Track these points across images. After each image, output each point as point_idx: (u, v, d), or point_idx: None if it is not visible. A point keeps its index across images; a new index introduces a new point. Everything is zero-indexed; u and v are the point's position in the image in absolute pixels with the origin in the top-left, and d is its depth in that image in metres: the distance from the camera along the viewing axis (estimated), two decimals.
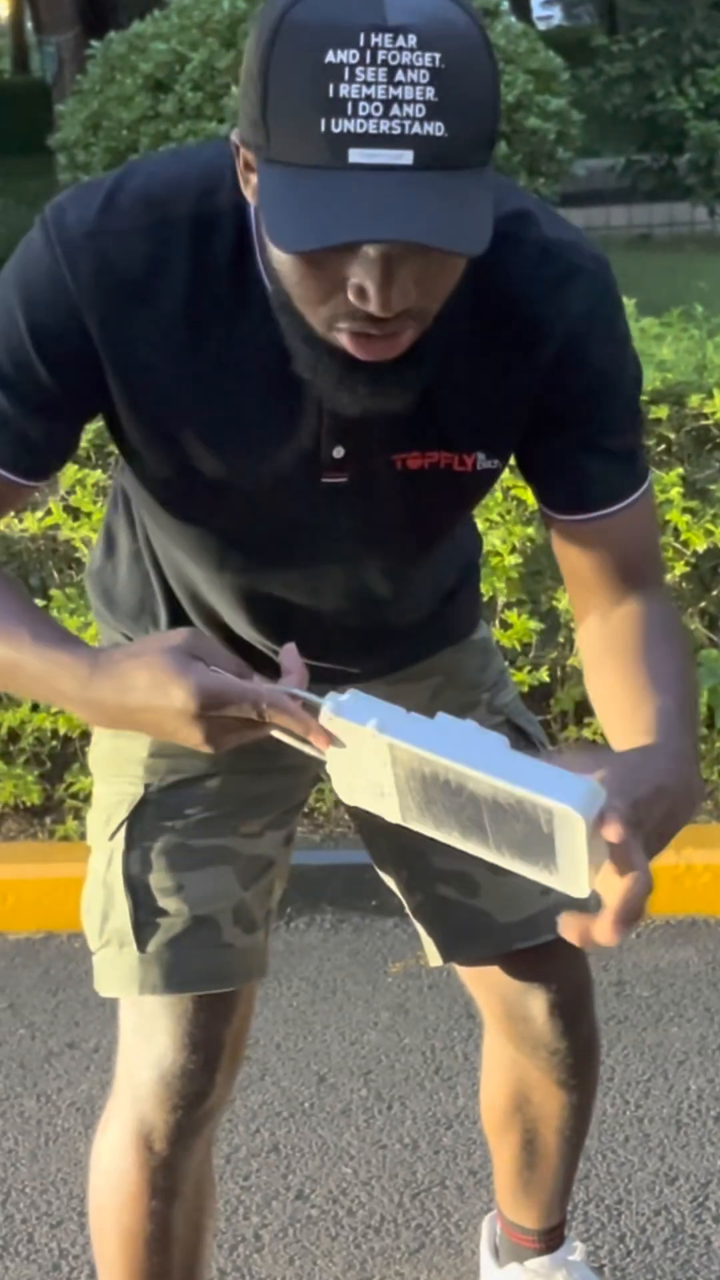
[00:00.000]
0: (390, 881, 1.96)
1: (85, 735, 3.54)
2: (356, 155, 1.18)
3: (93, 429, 3.36)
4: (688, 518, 3.30)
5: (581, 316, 1.46)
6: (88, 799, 3.49)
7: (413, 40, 1.18)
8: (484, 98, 1.22)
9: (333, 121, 1.18)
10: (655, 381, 3.30)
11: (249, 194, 1.33)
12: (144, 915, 1.74)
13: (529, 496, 3.07)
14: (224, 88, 6.62)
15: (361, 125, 1.18)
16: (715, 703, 3.42)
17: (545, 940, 1.84)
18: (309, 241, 1.22)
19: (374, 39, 1.17)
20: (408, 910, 1.96)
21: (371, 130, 1.18)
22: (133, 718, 1.38)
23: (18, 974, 3.26)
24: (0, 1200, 2.58)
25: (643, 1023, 2.96)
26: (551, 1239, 2.17)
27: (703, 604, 3.50)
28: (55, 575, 3.61)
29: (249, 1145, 2.68)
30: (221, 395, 1.45)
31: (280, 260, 1.29)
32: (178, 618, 1.72)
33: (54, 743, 3.59)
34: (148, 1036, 1.77)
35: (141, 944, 1.73)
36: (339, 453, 1.48)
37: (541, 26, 26.20)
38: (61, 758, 3.62)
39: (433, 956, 1.97)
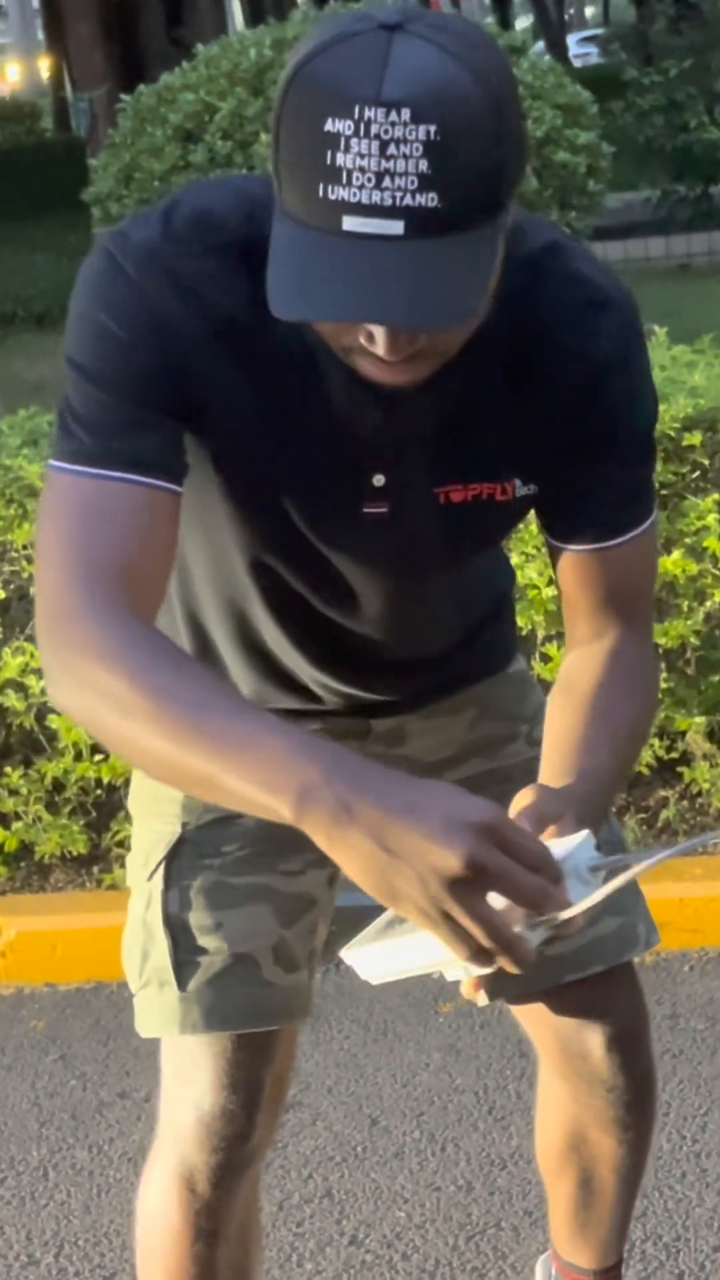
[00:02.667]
0: None
1: (130, 783, 3.54)
2: (350, 223, 1.22)
3: None
4: None
5: (609, 348, 1.49)
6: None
7: (406, 115, 1.20)
8: (484, 163, 1.23)
9: (329, 188, 1.22)
10: (688, 408, 3.29)
11: None
12: (184, 954, 1.74)
13: None
14: (253, 135, 6.67)
15: (354, 195, 1.21)
16: None
17: (595, 972, 1.83)
18: (298, 312, 1.27)
19: (368, 113, 1.20)
20: None
21: (364, 200, 1.21)
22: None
23: (68, 1024, 3.25)
24: (55, 1253, 2.57)
25: (698, 1056, 2.92)
26: (608, 1279, 2.14)
27: None
28: None
29: (301, 1191, 2.66)
30: (272, 411, 1.47)
31: None
32: (204, 652, 1.72)
33: (99, 792, 3.59)
34: (188, 1077, 1.77)
35: (182, 983, 1.73)
36: (379, 481, 1.50)
37: (578, 64, 26.34)
38: (107, 806, 3.62)
39: (482, 995, 1.94)
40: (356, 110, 1.20)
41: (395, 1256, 2.50)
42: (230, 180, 1.54)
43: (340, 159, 1.20)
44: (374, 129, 1.20)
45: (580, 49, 34.60)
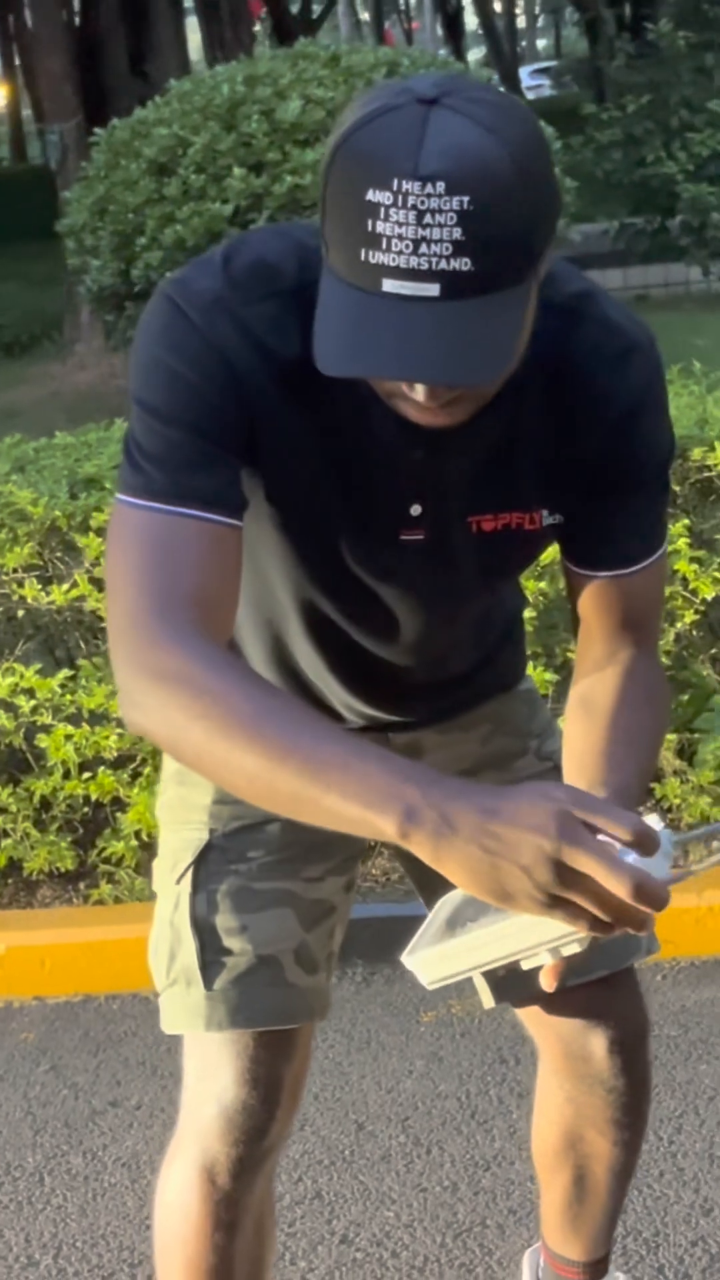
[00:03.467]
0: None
1: (117, 801, 3.63)
2: (389, 285, 1.31)
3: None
4: (695, 567, 3.40)
5: (637, 390, 1.59)
6: (119, 863, 3.58)
7: (441, 187, 1.29)
8: (514, 229, 1.33)
9: (370, 253, 1.31)
10: None
11: None
12: (210, 955, 1.81)
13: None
14: (226, 169, 6.76)
15: (394, 260, 1.30)
16: None
17: (599, 976, 1.91)
18: (339, 368, 1.36)
19: (405, 185, 1.29)
20: None
21: (402, 265, 1.30)
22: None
23: (58, 1036, 3.32)
24: (53, 1255, 2.64)
25: (672, 1061, 3.02)
26: (596, 1271, 2.23)
27: (713, 650, 3.59)
28: (82, 645, 3.71)
29: (292, 1193, 2.74)
30: (321, 448, 1.56)
31: None
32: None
33: (86, 809, 3.67)
34: (211, 1073, 1.84)
35: (208, 982, 1.81)
36: (416, 510, 1.59)
37: (531, 96, 26.60)
38: (94, 824, 3.70)
39: (486, 999, 2.02)
40: (395, 183, 1.29)
41: (385, 1254, 2.58)
42: (282, 228, 1.62)
43: (380, 226, 1.30)
44: (411, 200, 1.29)
45: (532, 81, 34.91)
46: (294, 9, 23.14)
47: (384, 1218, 2.67)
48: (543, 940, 1.35)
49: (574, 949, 1.37)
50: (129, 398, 1.54)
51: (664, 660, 3.49)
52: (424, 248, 1.30)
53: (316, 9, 23.76)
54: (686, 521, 3.42)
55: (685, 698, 3.56)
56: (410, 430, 1.50)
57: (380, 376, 1.38)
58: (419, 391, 1.39)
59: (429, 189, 1.29)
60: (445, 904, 1.43)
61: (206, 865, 1.84)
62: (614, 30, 12.70)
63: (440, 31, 31.63)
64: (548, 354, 1.51)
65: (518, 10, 40.11)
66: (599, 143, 10.59)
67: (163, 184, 6.88)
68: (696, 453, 3.42)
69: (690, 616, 3.45)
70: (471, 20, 33.33)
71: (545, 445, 1.59)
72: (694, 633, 3.53)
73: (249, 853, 1.84)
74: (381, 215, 1.30)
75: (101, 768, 3.56)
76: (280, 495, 1.60)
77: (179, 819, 1.88)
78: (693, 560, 3.40)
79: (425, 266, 1.30)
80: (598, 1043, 1.96)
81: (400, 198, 1.29)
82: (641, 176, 10.44)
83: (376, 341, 1.33)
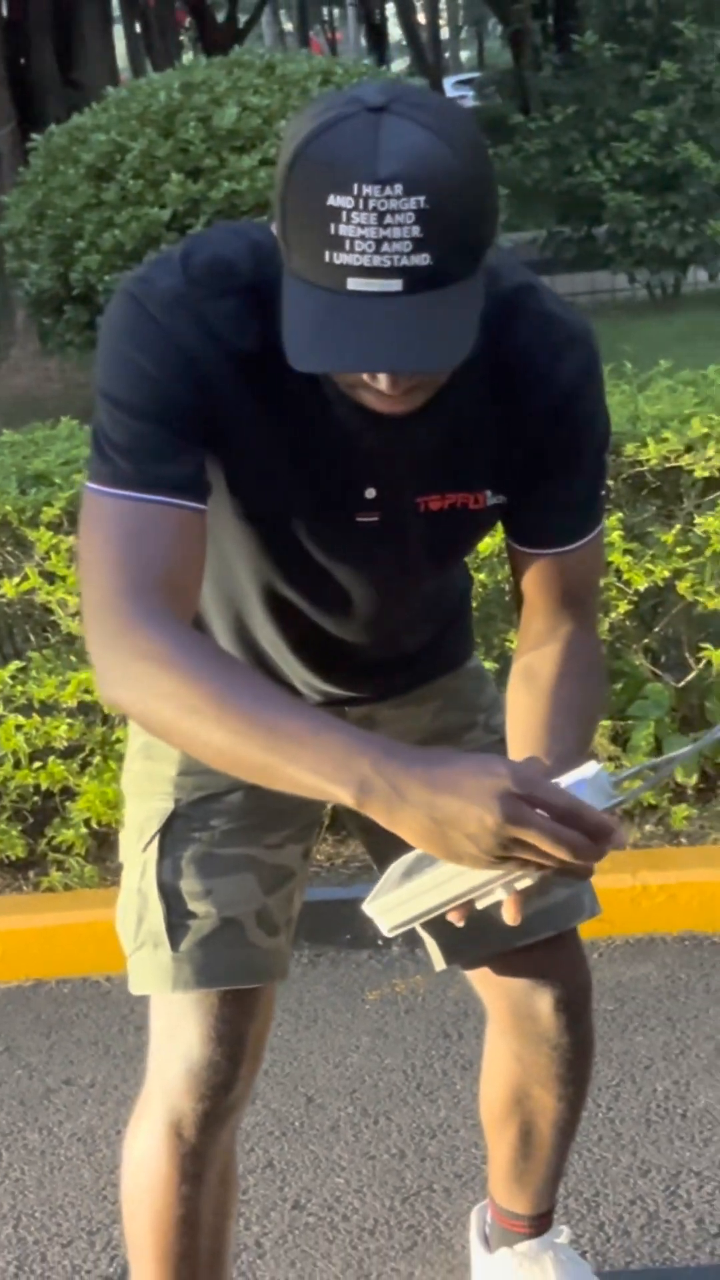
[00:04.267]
0: None
1: (66, 790, 3.70)
2: (354, 284, 1.40)
3: (64, 496, 3.54)
4: (629, 559, 3.51)
5: (575, 378, 1.69)
6: (69, 851, 3.65)
7: (398, 189, 1.38)
8: (469, 224, 1.42)
9: (334, 254, 1.39)
10: None
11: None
12: (176, 918, 1.90)
13: (482, 545, 3.27)
14: (164, 175, 6.84)
15: (357, 260, 1.39)
16: (661, 733, 3.62)
17: (545, 937, 2.02)
18: (310, 364, 1.45)
19: (365, 189, 1.38)
20: None
21: (365, 264, 1.39)
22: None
23: (11, 1019, 3.39)
24: (13, 1224, 2.72)
25: (609, 1033, 3.13)
26: (541, 1224, 2.34)
27: (645, 640, 3.71)
28: (31, 638, 3.78)
29: (245, 1163, 2.82)
30: (279, 437, 1.65)
31: None
32: None
33: (36, 798, 3.73)
34: (178, 1032, 1.92)
35: (174, 944, 1.90)
36: (371, 494, 1.69)
37: None
38: (43, 812, 3.77)
39: (437, 961, 2.11)
40: (356, 188, 1.38)
41: (336, 1219, 2.67)
42: (237, 227, 1.71)
43: (343, 229, 1.38)
44: (372, 203, 1.38)
45: (456, 92, 35.10)
46: (219, 18, 23.19)
47: (334, 1184, 2.76)
48: (494, 878, 1.45)
49: (526, 883, 1.47)
50: (95, 391, 1.62)
51: (600, 643, 3.60)
52: (385, 246, 1.39)
53: (242, 19, 23.82)
54: (619, 515, 3.53)
55: (619, 686, 3.67)
56: (364, 418, 1.59)
57: (350, 371, 1.46)
58: (382, 381, 1.47)
59: (388, 191, 1.38)
60: (403, 860, 1.53)
61: (172, 833, 1.92)
62: (540, 42, 12.86)
63: (364, 42, 31.78)
64: (490, 343, 1.60)
65: (441, 21, 40.34)
66: (527, 152, 10.73)
67: (101, 189, 6.95)
68: (629, 449, 3.54)
69: (624, 607, 3.56)
70: (395, 31, 33.50)
71: (489, 429, 1.69)
72: (627, 623, 3.65)
73: (212, 821, 1.93)
74: (343, 219, 1.38)
75: (51, 757, 3.63)
76: (241, 481, 1.68)
77: (145, 790, 1.97)
78: (626, 553, 3.52)
79: (387, 264, 1.39)
80: (544, 1002, 2.06)
81: (361, 201, 1.38)
82: (568, 186, 10.59)
83: (344, 338, 1.42)
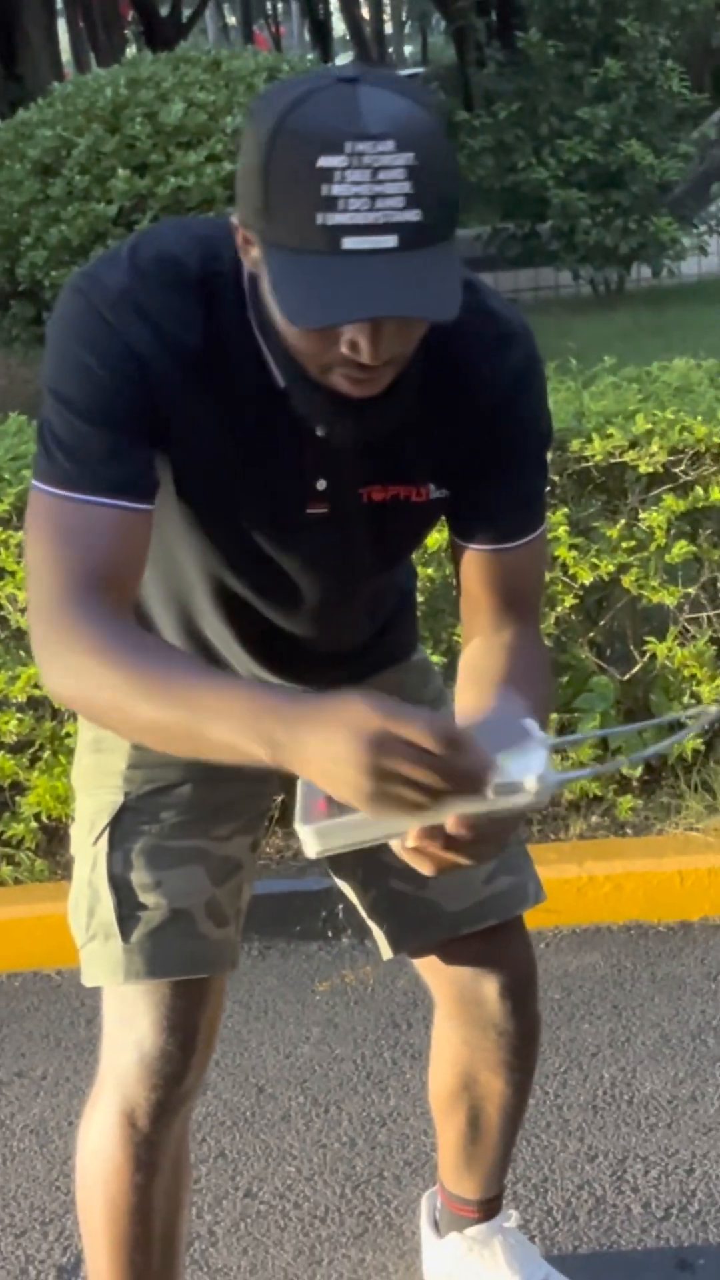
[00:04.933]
0: (345, 885, 2.13)
1: (16, 785, 3.71)
2: (349, 243, 1.41)
3: (13, 492, 3.55)
4: (574, 554, 3.55)
5: (515, 374, 1.72)
6: (20, 845, 3.66)
7: (390, 145, 1.40)
8: (449, 184, 1.45)
9: (326, 216, 1.41)
10: None
11: (249, 264, 1.55)
12: (126, 910, 1.92)
13: (430, 540, 3.30)
14: (110, 170, 6.84)
15: (351, 219, 1.40)
16: (606, 725, 3.67)
17: (490, 925, 2.05)
18: (314, 320, 1.45)
19: (359, 146, 1.40)
20: (362, 910, 2.13)
21: (360, 221, 1.41)
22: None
23: None
24: None
25: (556, 1022, 3.17)
26: (490, 1209, 2.38)
27: (591, 634, 3.75)
28: None
29: (197, 1153, 2.84)
30: (229, 433, 1.66)
31: (284, 326, 1.51)
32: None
33: None
34: (130, 1022, 1.95)
35: (125, 935, 1.92)
36: (322, 485, 1.71)
37: None
38: None
39: (385, 950, 2.14)
40: (348, 146, 1.40)
41: (288, 1206, 2.70)
42: (184, 223, 1.74)
43: (336, 189, 1.40)
44: (365, 159, 1.40)
45: None
46: (163, 12, 23.13)
47: (285, 1172, 2.79)
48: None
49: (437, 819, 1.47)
50: (43, 386, 1.64)
51: (545, 643, 3.64)
52: (379, 202, 1.41)
53: (186, 13, 23.77)
54: (565, 510, 3.57)
55: (565, 679, 3.72)
56: (313, 410, 1.61)
57: (357, 318, 1.45)
58: (363, 351, 1.48)
59: (380, 146, 1.40)
60: None
61: (122, 826, 1.95)
62: (483, 38, 12.89)
63: (308, 36, 31.75)
64: (432, 339, 1.62)
65: (385, 16, 40.35)
66: (471, 149, 10.76)
67: (47, 184, 6.95)
68: (574, 444, 3.58)
69: (569, 601, 3.60)
70: (339, 26, 33.51)
71: (431, 424, 1.71)
72: (573, 617, 3.69)
73: (161, 813, 1.95)
74: (336, 179, 1.40)
75: (1, 752, 3.64)
76: (190, 477, 1.70)
77: (95, 784, 1.99)
78: (571, 547, 3.56)
79: (382, 220, 1.41)
80: (490, 988, 2.10)
81: (354, 158, 1.40)
82: (512, 183, 10.63)
83: (344, 292, 1.42)
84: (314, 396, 1.58)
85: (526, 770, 1.43)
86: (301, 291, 1.44)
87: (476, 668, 1.78)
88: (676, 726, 3.48)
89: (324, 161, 1.40)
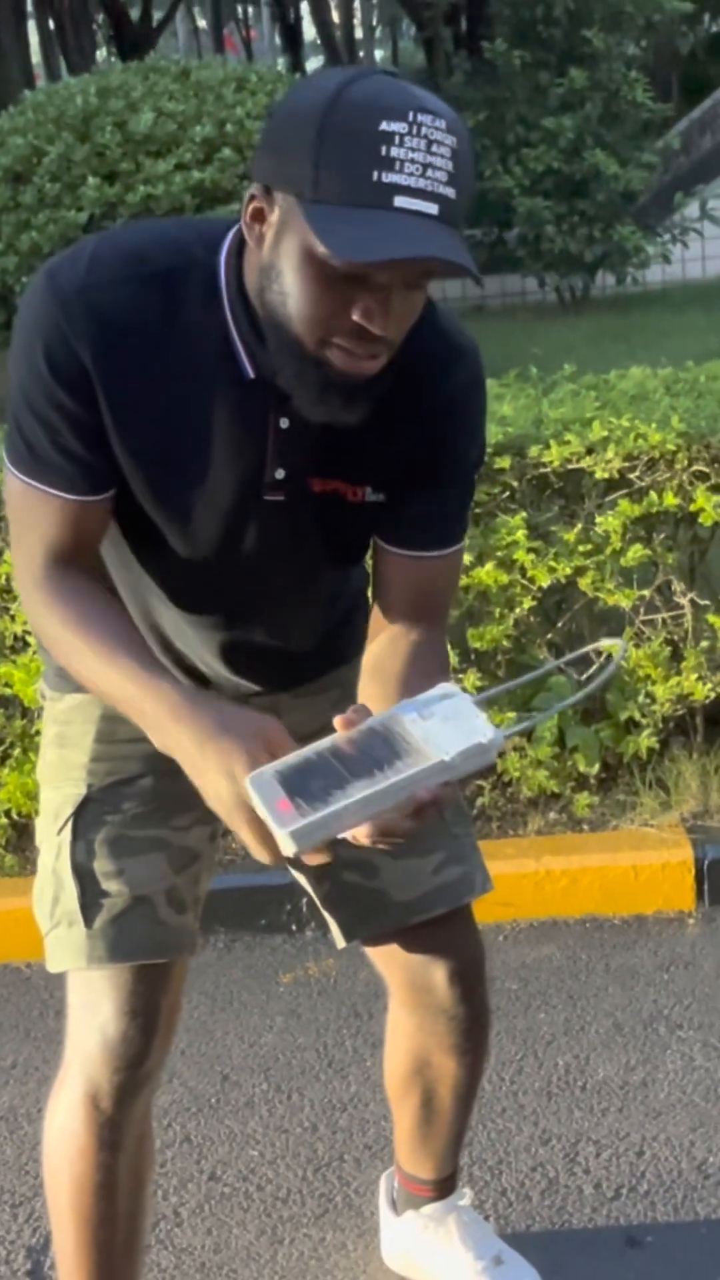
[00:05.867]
0: (301, 877, 2.21)
1: None
2: (400, 201, 1.52)
3: None
4: (532, 557, 3.65)
5: (463, 387, 1.82)
6: None
7: (443, 124, 1.53)
8: (471, 182, 1.59)
9: (384, 174, 1.51)
10: (498, 435, 3.65)
11: (254, 238, 1.64)
12: (89, 897, 2.00)
13: None
14: (80, 178, 6.92)
15: (406, 180, 1.52)
16: (564, 724, 3.77)
17: (439, 914, 2.13)
18: (363, 255, 1.53)
19: (420, 117, 1.52)
20: (315, 900, 2.21)
21: (413, 185, 1.52)
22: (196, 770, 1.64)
23: None
24: None
25: (513, 1011, 3.26)
26: (444, 1188, 2.46)
27: (549, 635, 3.85)
28: None
29: (163, 1138, 2.92)
30: (190, 421, 1.74)
31: (300, 284, 1.60)
32: None
33: None
34: (93, 1007, 2.02)
35: (88, 921, 1.99)
36: (280, 474, 1.79)
37: None
38: None
39: (338, 939, 2.22)
40: (411, 115, 1.52)
41: (251, 1188, 2.78)
42: (154, 222, 1.84)
43: (395, 151, 1.51)
44: (424, 130, 1.52)
45: None
46: (134, 16, 23.18)
47: (249, 1156, 2.87)
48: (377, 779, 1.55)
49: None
50: (10, 366, 1.74)
51: (504, 644, 3.74)
52: (429, 172, 1.53)
53: (157, 16, 23.83)
54: (524, 515, 3.67)
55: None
56: (275, 402, 1.71)
57: (406, 255, 1.53)
58: (376, 320, 1.59)
59: (436, 122, 1.53)
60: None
61: (85, 816, 2.03)
62: (451, 47, 13.00)
63: (278, 41, 31.80)
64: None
65: (356, 21, 40.44)
66: None
67: (18, 192, 7.03)
68: (533, 450, 3.67)
69: (528, 603, 3.70)
70: (310, 30, 33.58)
71: (375, 430, 1.79)
72: (531, 618, 3.79)
73: (123, 804, 2.03)
74: (397, 142, 1.51)
75: None
76: (147, 468, 1.77)
77: (59, 778, 2.07)
78: (530, 550, 3.65)
79: (430, 189, 1.53)
80: (439, 974, 2.18)
81: (415, 127, 1.52)
82: (479, 190, 10.72)
83: (397, 237, 1.52)
84: (304, 373, 1.65)
85: (474, 733, 1.53)
86: (354, 232, 1.53)
87: (382, 665, 1.87)
88: (566, 677, 3.56)
89: (386, 125, 1.51)
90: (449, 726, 1.55)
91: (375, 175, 1.51)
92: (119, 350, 1.69)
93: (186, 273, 1.70)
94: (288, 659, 2.05)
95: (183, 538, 1.84)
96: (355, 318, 1.59)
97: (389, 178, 1.51)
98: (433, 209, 1.53)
